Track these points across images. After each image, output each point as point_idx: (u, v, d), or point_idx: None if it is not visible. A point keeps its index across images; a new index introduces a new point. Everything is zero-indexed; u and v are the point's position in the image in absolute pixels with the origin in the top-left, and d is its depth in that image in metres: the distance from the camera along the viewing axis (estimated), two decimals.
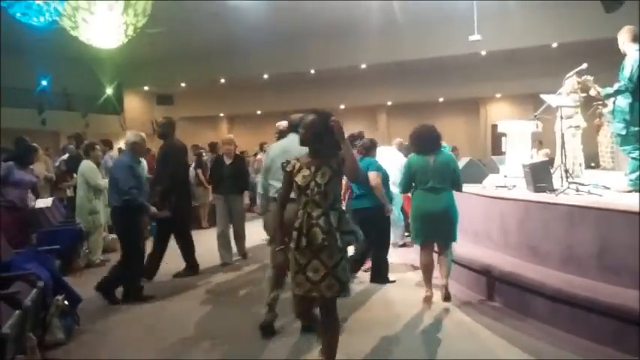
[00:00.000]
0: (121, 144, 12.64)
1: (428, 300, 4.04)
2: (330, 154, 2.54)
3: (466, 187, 4.61)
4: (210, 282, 5.10)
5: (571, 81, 5.27)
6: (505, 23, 11.48)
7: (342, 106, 17.36)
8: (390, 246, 5.19)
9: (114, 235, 6.68)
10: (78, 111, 15.81)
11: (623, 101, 4.06)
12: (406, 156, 4.83)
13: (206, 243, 6.34)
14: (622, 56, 4.11)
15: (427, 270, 4.07)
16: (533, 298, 3.60)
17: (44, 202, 5.85)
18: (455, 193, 4.08)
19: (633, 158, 4.12)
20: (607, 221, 3.42)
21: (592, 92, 4.73)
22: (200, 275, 5.35)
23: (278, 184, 3.16)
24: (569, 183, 4.33)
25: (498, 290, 4.02)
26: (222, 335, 3.54)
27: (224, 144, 6.11)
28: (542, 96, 4.96)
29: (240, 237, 6.08)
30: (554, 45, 12.04)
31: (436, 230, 3.98)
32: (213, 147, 9.04)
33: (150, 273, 4.94)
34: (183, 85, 17.58)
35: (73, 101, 16.59)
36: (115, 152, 9.43)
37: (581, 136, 5.56)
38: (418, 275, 4.69)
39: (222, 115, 20.31)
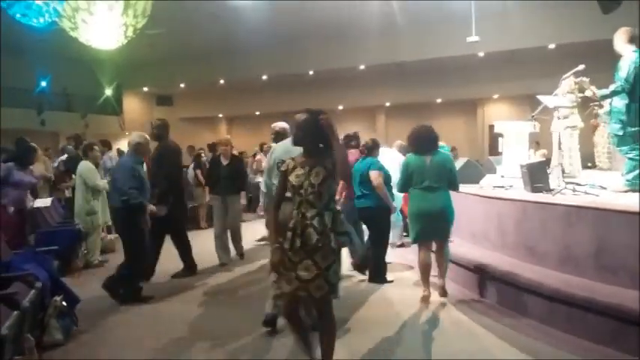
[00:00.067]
0: (120, 145, 12.66)
1: (425, 299, 4.06)
2: (324, 154, 2.53)
3: (464, 188, 4.64)
4: (208, 282, 5.11)
5: (568, 81, 5.29)
6: (503, 24, 11.51)
7: (341, 107, 17.39)
8: (389, 246, 5.20)
9: (112, 236, 6.70)
10: (77, 112, 15.82)
11: (620, 102, 4.08)
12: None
13: (204, 243, 6.35)
14: (619, 57, 4.14)
15: (425, 269, 4.10)
16: (531, 298, 3.62)
17: (43, 202, 5.86)
18: (452, 193, 4.11)
19: (630, 158, 4.14)
20: (604, 221, 3.43)
21: (588, 93, 4.75)
22: (198, 276, 5.35)
23: None
24: (566, 183, 4.35)
25: (496, 290, 4.03)
26: (222, 335, 3.54)
27: (221, 144, 6.11)
28: (539, 97, 4.98)
29: (236, 237, 6.07)
30: (552, 46, 12.06)
31: (433, 229, 4.01)
32: (212, 148, 9.05)
33: (147, 274, 4.95)
34: (182, 86, 17.59)
35: (73, 102, 16.60)
36: (113, 153, 9.44)
37: (579, 137, 5.58)
38: (416, 275, 4.71)
39: (221, 115, 20.32)
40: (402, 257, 5.79)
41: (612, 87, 4.11)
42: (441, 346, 3.24)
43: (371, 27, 12.21)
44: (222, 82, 16.88)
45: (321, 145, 2.56)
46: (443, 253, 4.13)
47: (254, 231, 7.34)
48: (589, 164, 7.23)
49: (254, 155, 10.65)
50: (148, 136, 4.59)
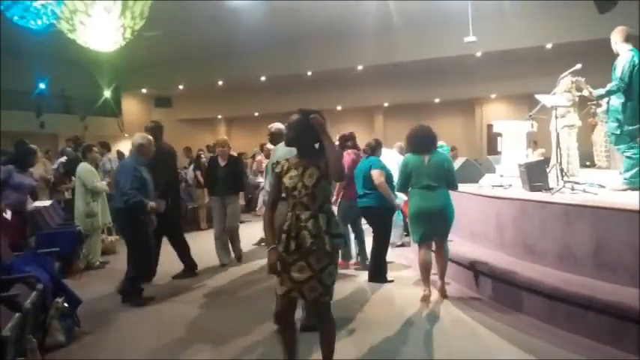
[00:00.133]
0: (119, 146, 12.67)
1: (426, 299, 4.08)
2: (318, 155, 2.49)
3: (463, 187, 4.65)
4: (209, 283, 5.12)
5: (565, 80, 5.31)
6: (500, 24, 11.54)
7: (339, 108, 17.40)
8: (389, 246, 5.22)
9: (113, 238, 6.71)
10: (76, 114, 15.82)
11: (617, 101, 4.11)
12: None
13: (204, 244, 6.36)
14: (616, 56, 4.16)
15: (425, 268, 4.11)
16: (531, 297, 3.63)
17: (42, 203, 5.87)
18: (451, 193, 4.13)
19: (628, 157, 4.16)
20: (603, 220, 3.44)
21: (585, 93, 4.77)
22: (199, 276, 5.36)
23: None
24: (565, 182, 4.36)
25: (496, 289, 4.05)
26: (223, 336, 3.55)
27: (218, 146, 6.08)
28: (537, 96, 5.00)
29: (234, 239, 6.00)
30: (549, 46, 12.10)
31: (433, 228, 4.03)
32: (213, 149, 9.05)
33: (148, 275, 4.95)
34: (181, 87, 17.58)
35: (72, 104, 16.59)
36: (113, 155, 9.45)
37: (577, 135, 5.60)
38: (415, 274, 4.73)
39: (220, 117, 20.31)
40: (402, 257, 5.80)
41: (608, 86, 4.14)
42: (443, 346, 3.25)
43: (369, 28, 12.25)
44: (220, 83, 16.88)
45: (316, 146, 2.53)
46: (442, 252, 4.15)
47: (253, 233, 7.33)
48: (587, 163, 7.25)
49: (253, 156, 10.68)
50: (151, 138, 4.59)
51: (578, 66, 5.04)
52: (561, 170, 4.54)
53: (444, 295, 4.17)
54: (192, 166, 9.01)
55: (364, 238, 5.48)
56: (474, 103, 16.71)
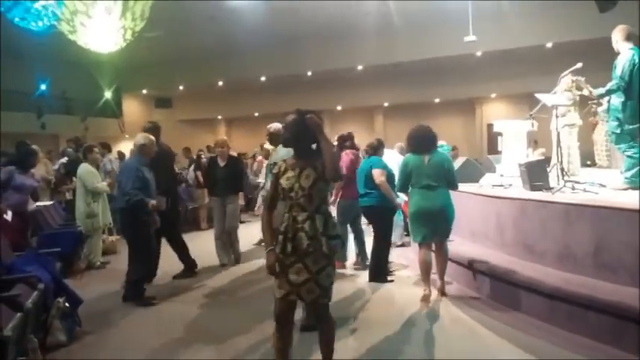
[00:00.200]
0: (120, 147, 12.68)
1: (426, 298, 4.08)
2: (314, 156, 2.46)
3: (463, 187, 4.65)
4: (209, 283, 5.12)
5: (566, 79, 5.31)
6: (500, 24, 11.53)
7: (339, 108, 17.41)
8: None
9: (114, 238, 6.73)
10: (77, 115, 15.85)
11: (617, 100, 4.10)
12: None
13: (204, 244, 6.37)
14: (617, 55, 4.16)
15: (426, 268, 4.12)
16: (532, 297, 3.63)
17: (43, 204, 5.88)
18: (452, 192, 4.13)
19: (628, 156, 4.15)
20: (604, 219, 3.44)
21: (585, 92, 4.77)
22: (199, 277, 5.37)
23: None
24: (565, 181, 4.36)
25: (496, 288, 4.05)
26: (222, 336, 3.55)
27: (217, 146, 6.05)
28: (537, 95, 5.00)
29: (233, 240, 5.93)
30: (549, 45, 12.09)
31: (434, 228, 4.03)
32: (212, 149, 9.06)
33: (148, 276, 4.95)
34: (181, 88, 17.60)
35: (72, 105, 16.63)
36: (113, 155, 9.46)
37: (577, 134, 5.60)
38: (416, 274, 4.73)
39: (220, 117, 20.33)
40: (402, 257, 5.80)
41: (608, 85, 4.13)
42: (442, 345, 3.26)
43: (368, 28, 12.25)
44: (220, 83, 16.90)
45: (313, 147, 2.50)
46: (442, 252, 4.16)
47: (253, 233, 7.34)
48: (588, 162, 7.25)
49: (254, 156, 10.68)
50: (153, 138, 4.59)
51: (579, 65, 5.04)
52: (562, 170, 4.53)
53: (443, 293, 4.17)
54: (192, 167, 9.02)
55: (364, 238, 5.48)
56: (474, 103, 16.71)
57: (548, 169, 4.69)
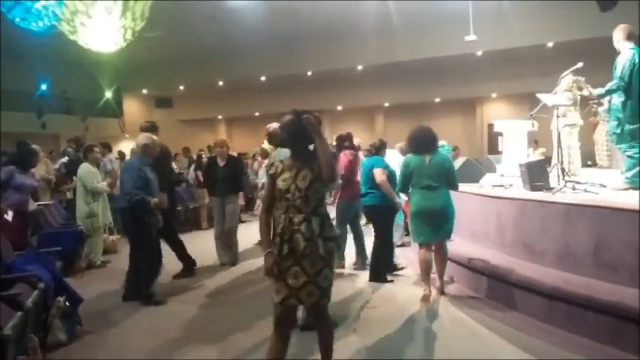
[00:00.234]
0: (120, 147, 12.69)
1: (426, 298, 4.08)
2: (311, 156, 2.43)
3: (463, 187, 4.65)
4: (208, 283, 5.12)
5: (566, 79, 5.31)
6: (501, 23, 11.53)
7: (340, 108, 17.41)
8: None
9: (114, 237, 6.74)
10: (77, 114, 15.88)
11: (617, 99, 4.10)
12: None
13: (205, 244, 6.36)
14: (617, 55, 4.15)
15: (426, 268, 4.12)
16: (531, 296, 3.63)
17: (44, 201, 5.90)
18: (452, 192, 4.13)
19: (629, 156, 4.15)
20: (604, 219, 3.44)
21: (585, 92, 4.76)
22: (199, 276, 5.37)
23: None
24: (566, 181, 4.36)
25: (496, 288, 4.05)
26: (222, 336, 3.55)
27: (217, 146, 6.03)
28: (538, 95, 5.00)
29: (231, 241, 5.86)
30: (550, 44, 12.08)
31: (434, 228, 4.03)
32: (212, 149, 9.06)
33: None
34: (181, 88, 17.62)
35: (73, 105, 16.67)
36: (114, 155, 9.46)
37: (578, 134, 5.60)
38: (415, 274, 4.73)
39: (220, 117, 20.35)
40: (402, 257, 5.80)
41: (608, 85, 4.13)
42: (442, 345, 3.26)
43: (368, 27, 12.26)
44: (221, 83, 16.92)
45: (310, 147, 2.47)
46: (442, 252, 4.16)
47: (252, 233, 7.33)
48: (589, 162, 7.24)
49: (254, 156, 10.68)
50: (155, 138, 4.59)
51: (580, 65, 5.03)
52: (562, 170, 4.53)
53: (442, 292, 4.18)
54: (193, 166, 9.02)
55: (364, 239, 5.48)
56: (475, 103, 16.70)
57: (548, 169, 4.69)
